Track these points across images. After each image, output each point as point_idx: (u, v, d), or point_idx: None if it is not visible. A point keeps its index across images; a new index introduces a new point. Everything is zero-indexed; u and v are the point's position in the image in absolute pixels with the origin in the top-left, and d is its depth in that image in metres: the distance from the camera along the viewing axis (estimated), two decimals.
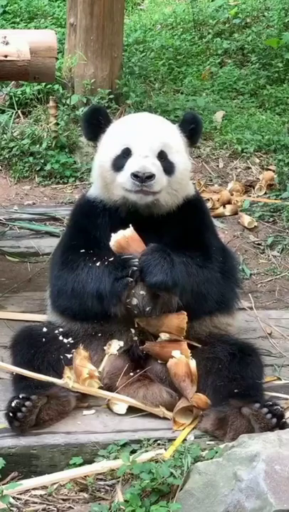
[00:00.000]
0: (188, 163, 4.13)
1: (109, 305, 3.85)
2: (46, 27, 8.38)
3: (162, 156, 3.97)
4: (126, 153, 3.96)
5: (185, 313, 3.88)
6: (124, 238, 3.89)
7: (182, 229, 4.03)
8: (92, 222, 4.08)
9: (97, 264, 3.91)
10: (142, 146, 3.94)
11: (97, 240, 4.04)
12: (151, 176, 3.87)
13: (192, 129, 4.11)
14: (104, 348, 3.97)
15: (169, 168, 3.97)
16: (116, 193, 3.99)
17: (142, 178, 3.86)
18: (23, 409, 3.67)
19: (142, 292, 3.93)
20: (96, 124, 4.14)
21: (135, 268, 3.80)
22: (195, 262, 3.96)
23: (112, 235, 3.90)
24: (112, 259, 3.88)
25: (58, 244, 4.36)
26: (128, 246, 3.88)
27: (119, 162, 3.97)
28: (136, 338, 3.94)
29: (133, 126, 4.06)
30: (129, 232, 3.90)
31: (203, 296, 3.98)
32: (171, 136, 4.05)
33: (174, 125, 4.17)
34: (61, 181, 6.81)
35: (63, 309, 4.08)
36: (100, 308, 3.89)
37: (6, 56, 4.57)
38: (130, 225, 3.90)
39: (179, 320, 3.88)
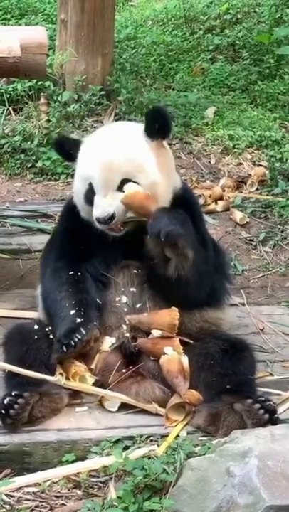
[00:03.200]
0: (156, 176, 3.95)
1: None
2: (37, 23, 8.36)
3: (124, 183, 3.91)
4: (91, 188, 3.98)
5: (176, 309, 3.88)
6: (136, 193, 3.89)
7: None
8: (81, 225, 4.09)
9: (68, 303, 3.92)
10: (100, 184, 3.93)
11: (89, 242, 4.05)
12: (111, 217, 3.88)
13: (160, 127, 3.97)
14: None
15: None
16: (94, 223, 4.00)
17: (104, 222, 3.89)
18: (16, 406, 3.67)
19: (132, 289, 3.94)
20: (68, 152, 4.17)
21: (72, 344, 3.78)
22: (199, 236, 3.99)
23: (125, 188, 3.89)
24: (73, 314, 3.87)
25: (49, 244, 4.36)
26: (144, 200, 3.88)
27: (88, 197, 4.00)
28: (128, 335, 3.94)
29: (93, 158, 3.99)
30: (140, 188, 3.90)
31: (201, 277, 3.96)
32: (132, 159, 3.94)
33: (140, 130, 4.03)
34: (53, 178, 6.80)
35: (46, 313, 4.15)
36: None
37: None
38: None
39: (171, 317, 3.88)
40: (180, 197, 4.08)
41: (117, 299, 3.98)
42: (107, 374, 3.91)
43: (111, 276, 4.03)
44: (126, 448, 3.64)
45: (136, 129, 4.10)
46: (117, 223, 3.93)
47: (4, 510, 3.37)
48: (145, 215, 3.86)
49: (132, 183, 3.90)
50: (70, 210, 4.21)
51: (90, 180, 3.98)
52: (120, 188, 3.92)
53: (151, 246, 3.85)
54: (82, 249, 4.06)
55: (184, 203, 4.06)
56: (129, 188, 3.89)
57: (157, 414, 3.83)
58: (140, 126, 4.08)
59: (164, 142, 4.07)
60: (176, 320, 3.88)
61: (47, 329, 4.04)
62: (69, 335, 3.81)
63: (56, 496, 3.49)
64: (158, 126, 3.97)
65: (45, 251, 4.39)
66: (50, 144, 6.86)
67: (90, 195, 3.99)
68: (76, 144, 4.16)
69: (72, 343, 3.78)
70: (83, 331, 3.82)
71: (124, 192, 3.90)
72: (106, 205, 3.90)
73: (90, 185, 3.98)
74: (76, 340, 3.79)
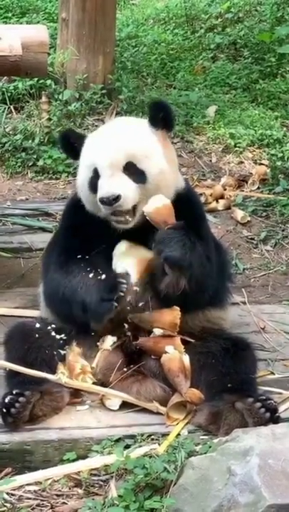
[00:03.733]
0: (162, 163, 3.97)
1: (91, 320, 3.87)
2: (38, 22, 8.35)
3: (130, 167, 3.89)
4: (96, 174, 3.94)
5: (178, 308, 3.88)
6: (165, 207, 3.87)
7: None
8: (85, 220, 4.06)
9: (90, 275, 3.89)
10: (105, 166, 3.89)
11: (92, 238, 4.02)
12: (116, 198, 3.82)
13: (163, 118, 4.00)
14: (98, 343, 3.97)
15: (140, 177, 3.90)
16: (101, 211, 3.96)
17: (109, 202, 3.82)
18: (17, 404, 3.67)
19: (134, 288, 3.93)
20: (71, 147, 4.13)
21: (122, 294, 3.79)
22: (206, 253, 3.95)
23: (150, 201, 3.87)
24: (104, 276, 3.85)
25: (52, 242, 4.34)
26: (164, 215, 3.87)
27: (93, 183, 3.94)
28: (129, 334, 3.94)
29: (98, 144, 4.00)
30: (167, 200, 3.89)
31: (203, 288, 3.96)
32: (137, 143, 3.95)
33: (144, 122, 4.07)
34: (54, 177, 6.80)
35: (55, 310, 4.11)
36: (84, 319, 3.91)
37: None
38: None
39: (173, 316, 3.88)
40: (183, 196, 4.07)
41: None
42: (108, 373, 3.91)
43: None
44: (127, 447, 3.65)
45: (140, 120, 4.16)
46: (123, 208, 3.86)
47: (5, 508, 3.37)
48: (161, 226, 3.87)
49: (159, 195, 3.88)
50: (73, 207, 4.20)
51: (94, 165, 3.94)
52: (126, 170, 3.89)
53: (154, 254, 3.86)
54: (86, 247, 4.04)
55: (187, 202, 4.05)
56: (156, 200, 3.87)
57: (158, 413, 3.83)
58: (144, 120, 4.10)
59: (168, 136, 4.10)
60: (177, 319, 3.88)
61: (48, 327, 4.05)
62: (113, 288, 3.79)
63: (57, 495, 3.49)
64: (161, 116, 3.99)
65: (48, 249, 4.36)
66: (52, 142, 6.88)
67: (94, 181, 3.94)
68: (81, 138, 4.14)
69: (122, 294, 3.79)
70: (124, 280, 3.81)
71: (130, 174, 3.87)
72: (111, 185, 3.84)
73: (95, 170, 3.94)
74: (124, 289, 3.80)
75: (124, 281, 3.82)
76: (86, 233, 4.05)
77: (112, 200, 3.81)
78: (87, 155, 4.04)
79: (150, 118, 4.04)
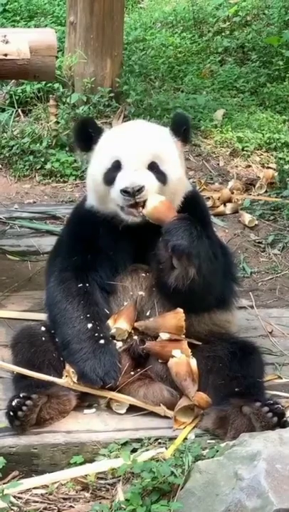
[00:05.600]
0: (181, 171, 4.04)
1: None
2: (46, 25, 8.38)
3: (153, 167, 3.92)
4: (116, 167, 3.92)
5: (181, 310, 3.88)
6: (162, 203, 3.87)
7: None
8: (91, 231, 4.06)
9: (88, 325, 3.89)
10: (131, 159, 3.90)
11: (97, 249, 4.03)
12: (140, 189, 3.82)
13: (184, 130, 4.06)
14: None
15: (161, 178, 3.92)
16: (110, 206, 3.97)
17: (133, 193, 3.82)
18: (24, 408, 3.67)
19: (140, 293, 3.94)
20: (87, 135, 4.09)
21: (114, 380, 3.81)
22: (212, 249, 3.95)
23: (149, 199, 3.86)
24: (102, 341, 3.86)
25: (56, 248, 4.33)
26: (165, 211, 3.86)
27: (110, 175, 3.94)
28: (136, 337, 3.94)
29: (123, 138, 4.01)
30: (162, 197, 3.89)
31: (210, 286, 3.94)
32: (162, 146, 3.98)
33: (166, 129, 4.09)
34: (61, 180, 6.81)
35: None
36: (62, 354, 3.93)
37: (6, 55, 4.58)
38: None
39: (177, 319, 3.87)
40: (190, 200, 4.07)
41: (125, 303, 3.98)
42: None
43: (118, 283, 4.02)
44: (134, 450, 3.64)
45: (161, 127, 4.16)
46: (144, 197, 3.84)
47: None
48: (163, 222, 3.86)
49: (156, 194, 3.88)
50: (80, 214, 4.20)
51: (117, 158, 3.93)
52: (150, 169, 3.90)
53: (161, 249, 3.85)
54: (90, 256, 4.04)
55: (194, 206, 4.06)
56: (152, 199, 3.87)
57: (165, 417, 3.83)
58: (165, 128, 4.13)
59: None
60: (182, 321, 3.88)
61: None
62: (109, 373, 3.82)
63: (64, 498, 3.49)
64: (184, 129, 4.05)
65: (52, 257, 4.35)
66: (60, 145, 6.90)
67: (112, 173, 3.93)
68: (99, 130, 4.13)
69: (113, 380, 3.81)
70: (116, 370, 3.84)
71: (153, 173, 3.89)
72: (137, 177, 3.84)
73: (116, 163, 3.93)
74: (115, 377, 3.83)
75: (120, 366, 3.84)
76: (91, 242, 4.05)
77: (136, 191, 3.81)
78: (107, 146, 4.02)
79: (173, 128, 4.07)
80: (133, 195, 3.82)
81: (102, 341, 3.86)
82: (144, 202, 3.87)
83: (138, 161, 3.90)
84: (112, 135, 4.09)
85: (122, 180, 3.86)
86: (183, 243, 3.76)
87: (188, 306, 3.90)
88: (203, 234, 3.87)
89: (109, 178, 3.94)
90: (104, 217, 4.03)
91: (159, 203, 3.87)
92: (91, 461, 3.64)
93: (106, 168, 3.97)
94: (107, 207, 4.00)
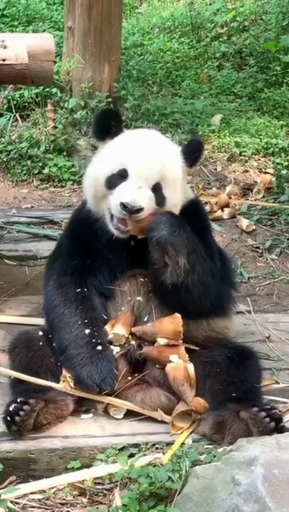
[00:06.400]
0: (179, 196, 4.01)
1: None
2: (44, 30, 8.39)
3: (157, 188, 3.91)
4: (122, 175, 3.90)
5: (179, 315, 3.88)
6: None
7: None
8: (90, 235, 4.06)
9: (86, 331, 3.89)
10: (138, 175, 3.87)
11: (96, 253, 4.04)
12: (139, 210, 3.81)
13: (195, 157, 4.07)
14: None
15: (160, 201, 3.91)
16: (102, 208, 3.98)
17: (131, 211, 3.81)
18: (21, 413, 3.67)
19: (138, 298, 3.94)
20: (107, 127, 4.05)
21: (110, 387, 3.81)
22: (207, 251, 3.97)
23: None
24: (99, 348, 3.86)
25: (55, 253, 4.33)
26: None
27: (113, 180, 3.92)
28: (133, 343, 3.94)
29: (136, 148, 3.96)
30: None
31: (205, 287, 3.94)
32: (170, 169, 3.96)
33: (177, 149, 4.07)
34: (59, 184, 6.82)
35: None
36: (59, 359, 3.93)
37: (4, 60, 4.57)
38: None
39: (175, 324, 3.88)
40: (190, 207, 4.08)
41: (123, 308, 3.98)
42: None
43: (116, 288, 4.03)
44: (131, 455, 3.64)
45: (174, 144, 4.14)
46: (139, 219, 3.83)
47: None
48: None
49: None
50: (79, 218, 4.20)
51: (125, 166, 3.90)
52: (153, 189, 3.88)
53: (152, 250, 3.85)
54: (89, 261, 4.04)
55: (193, 213, 4.06)
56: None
57: (163, 422, 3.82)
58: (177, 146, 4.11)
59: None
60: (180, 326, 3.88)
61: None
62: (106, 379, 3.82)
63: (61, 503, 3.49)
64: (194, 156, 4.06)
65: (50, 261, 4.34)
66: (57, 150, 6.90)
67: (116, 179, 3.91)
68: (120, 128, 4.08)
69: (110, 386, 3.82)
70: (113, 376, 3.84)
71: (156, 193, 3.87)
72: (139, 196, 3.82)
73: (124, 171, 3.90)
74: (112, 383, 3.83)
75: (116, 373, 3.84)
76: (90, 247, 4.05)
77: (135, 211, 3.81)
78: (119, 151, 3.98)
79: (185, 151, 4.05)
80: (130, 213, 3.81)
81: (99, 347, 3.86)
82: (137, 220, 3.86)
83: (145, 178, 3.88)
84: (125, 140, 4.03)
85: (125, 193, 3.83)
86: (164, 233, 3.77)
87: (184, 310, 3.91)
88: (185, 224, 3.86)
89: (112, 182, 3.92)
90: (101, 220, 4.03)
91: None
92: (88, 466, 3.64)
93: (111, 172, 3.94)
94: (99, 208, 4.00)
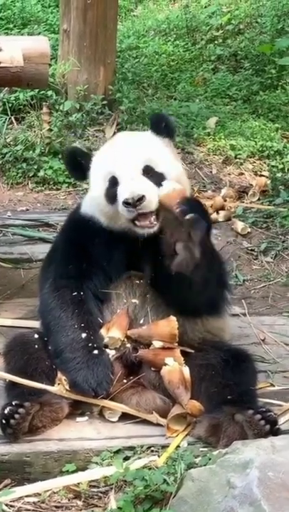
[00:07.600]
0: (178, 165, 4.07)
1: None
2: (39, 33, 8.38)
3: (149, 171, 3.91)
4: (114, 183, 3.92)
5: (174, 318, 3.88)
6: (174, 191, 3.86)
7: None
8: (86, 238, 4.05)
9: (83, 335, 3.89)
10: (125, 170, 3.89)
11: (92, 256, 4.03)
12: (141, 198, 3.79)
13: (165, 127, 4.08)
14: None
15: (159, 180, 3.90)
16: (122, 223, 3.94)
17: (134, 203, 3.79)
18: (16, 416, 3.66)
19: (134, 300, 3.94)
20: (78, 164, 4.10)
21: (106, 391, 3.82)
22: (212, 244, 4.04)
23: (161, 188, 3.86)
24: (95, 352, 3.86)
25: (50, 256, 4.32)
26: (176, 199, 3.83)
27: (110, 193, 3.92)
28: (129, 345, 3.94)
29: (112, 154, 4.00)
30: (178, 185, 3.89)
31: (205, 281, 3.90)
32: (151, 148, 3.99)
33: (148, 132, 4.11)
34: (54, 187, 6.82)
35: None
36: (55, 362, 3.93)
37: None
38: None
39: (170, 327, 3.88)
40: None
41: (119, 310, 3.98)
42: None
43: (113, 291, 4.02)
44: (126, 458, 3.64)
45: (143, 132, 4.20)
46: (147, 209, 3.82)
47: None
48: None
49: (171, 181, 3.88)
50: (74, 222, 4.20)
51: (111, 174, 3.93)
52: (146, 174, 3.88)
53: (167, 234, 3.82)
54: (85, 264, 4.03)
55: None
56: (167, 186, 3.87)
57: (158, 425, 3.82)
58: (147, 131, 4.15)
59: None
60: (175, 329, 3.88)
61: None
62: (101, 384, 3.83)
63: (56, 506, 3.49)
64: (164, 126, 4.06)
65: (46, 264, 4.34)
66: (52, 153, 6.89)
67: (112, 190, 3.92)
68: (87, 156, 4.13)
69: (105, 391, 3.82)
70: (108, 381, 3.84)
71: (150, 177, 3.87)
72: (134, 186, 3.81)
73: (112, 179, 3.92)
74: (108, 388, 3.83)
75: (112, 377, 3.84)
76: (86, 250, 4.05)
77: (137, 201, 3.78)
78: (100, 167, 4.02)
79: (153, 128, 4.09)
80: (134, 206, 3.79)
81: (95, 351, 3.85)
82: (157, 211, 3.85)
83: (132, 169, 3.89)
84: (101, 155, 4.09)
85: (122, 193, 3.84)
86: (202, 220, 3.74)
87: (181, 306, 3.91)
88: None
89: (111, 195, 3.93)
90: (109, 229, 4.03)
91: (172, 190, 3.85)
92: (83, 469, 3.64)
93: (105, 188, 3.96)
94: (120, 225, 3.97)
